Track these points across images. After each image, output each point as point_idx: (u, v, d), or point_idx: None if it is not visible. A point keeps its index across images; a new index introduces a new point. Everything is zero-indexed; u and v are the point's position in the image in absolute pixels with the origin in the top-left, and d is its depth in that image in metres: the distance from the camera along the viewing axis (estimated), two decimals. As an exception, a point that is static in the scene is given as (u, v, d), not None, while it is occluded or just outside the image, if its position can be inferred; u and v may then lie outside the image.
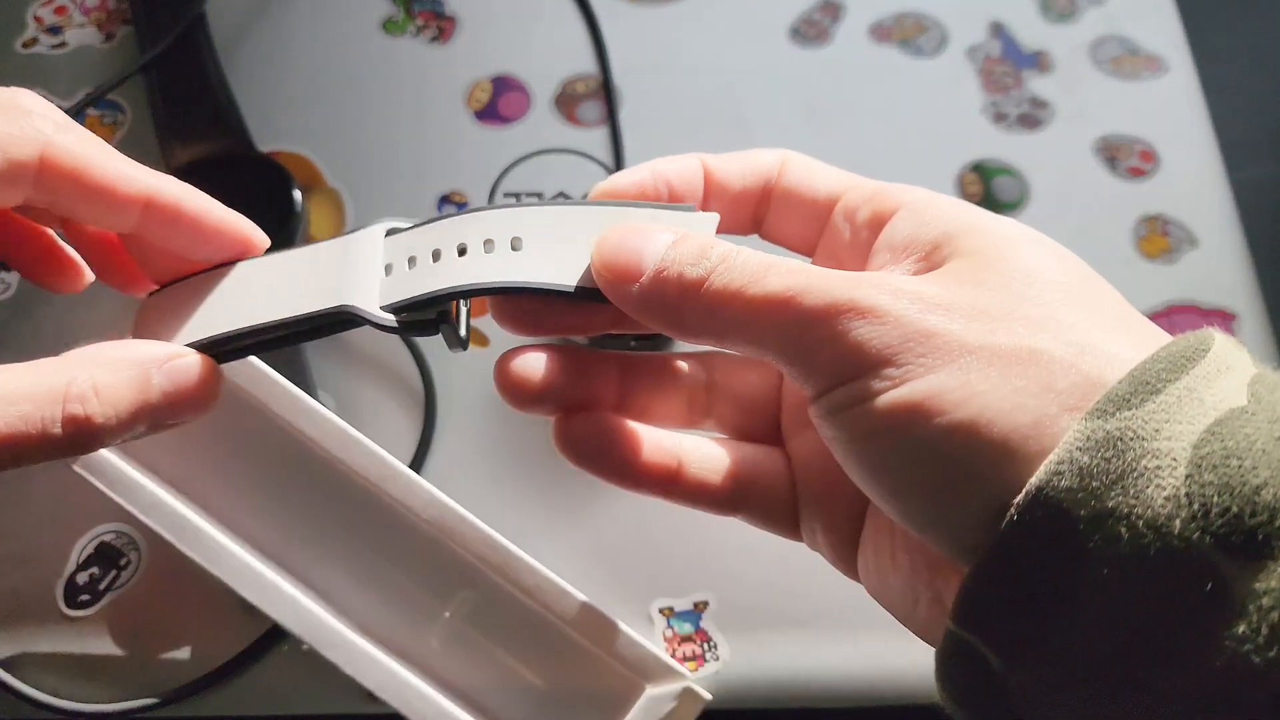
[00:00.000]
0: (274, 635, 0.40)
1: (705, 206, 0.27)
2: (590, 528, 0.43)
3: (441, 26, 0.54)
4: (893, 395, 0.19)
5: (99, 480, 0.37)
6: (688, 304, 0.22)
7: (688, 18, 0.55)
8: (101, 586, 0.41)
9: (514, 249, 0.24)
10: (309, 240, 0.49)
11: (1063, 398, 0.19)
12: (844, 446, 0.21)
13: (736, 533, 0.44)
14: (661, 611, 0.42)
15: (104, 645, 0.41)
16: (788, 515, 0.27)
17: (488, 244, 0.24)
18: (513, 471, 0.44)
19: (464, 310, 0.25)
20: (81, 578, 0.41)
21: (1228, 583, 0.17)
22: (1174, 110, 0.53)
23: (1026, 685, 0.19)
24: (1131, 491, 0.17)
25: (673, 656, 0.40)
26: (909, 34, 0.55)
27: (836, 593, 0.43)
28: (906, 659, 0.41)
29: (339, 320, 0.25)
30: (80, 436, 0.22)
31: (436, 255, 0.25)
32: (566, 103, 0.52)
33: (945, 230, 0.22)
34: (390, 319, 0.24)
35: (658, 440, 0.27)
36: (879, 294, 0.20)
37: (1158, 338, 0.20)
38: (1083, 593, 0.17)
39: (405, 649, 0.37)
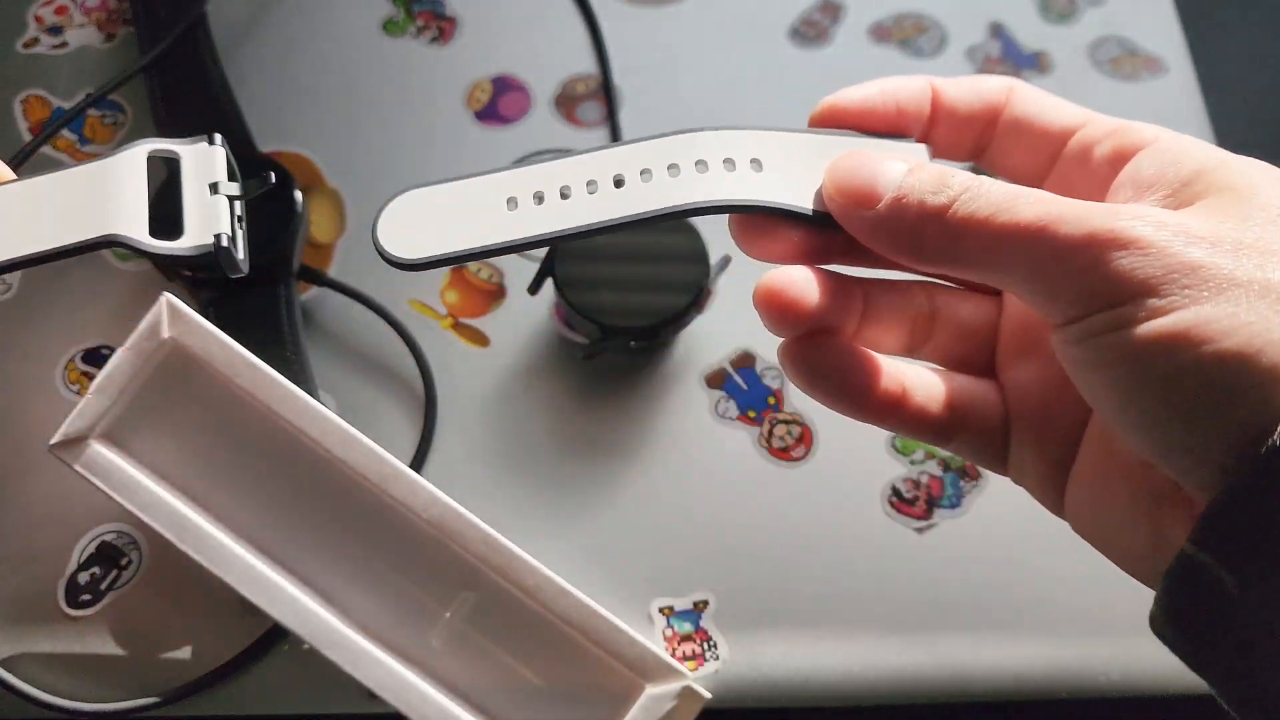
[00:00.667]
0: (274, 635, 0.40)
1: (930, 129, 0.27)
2: (590, 527, 0.43)
3: (442, 27, 0.54)
4: (1157, 323, 0.19)
5: (100, 480, 0.37)
6: (928, 229, 0.22)
7: (688, 18, 0.55)
8: (102, 586, 0.41)
9: (754, 170, 0.24)
10: (310, 243, 0.49)
11: None
12: (1095, 372, 0.21)
13: (737, 532, 0.44)
14: (661, 611, 0.42)
15: (105, 645, 0.41)
16: (998, 446, 0.27)
17: (727, 162, 0.24)
18: (513, 471, 0.44)
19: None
20: (82, 577, 0.41)
21: None
22: (1173, 111, 0.53)
23: (1263, 609, 0.18)
24: None
25: (673, 656, 0.40)
26: (909, 34, 0.55)
27: (837, 593, 0.43)
28: (907, 658, 0.42)
29: (103, 245, 0.25)
30: None
31: (648, 174, 0.24)
32: (566, 103, 0.52)
33: (1196, 168, 0.22)
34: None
35: (886, 368, 0.26)
36: (1141, 225, 0.20)
37: None
38: None
39: (406, 648, 0.38)
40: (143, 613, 0.41)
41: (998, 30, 0.55)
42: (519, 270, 0.49)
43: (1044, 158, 0.26)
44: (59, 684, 0.40)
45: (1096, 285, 0.20)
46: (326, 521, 0.38)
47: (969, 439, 0.27)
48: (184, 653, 0.41)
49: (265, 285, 0.44)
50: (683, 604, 0.42)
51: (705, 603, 0.42)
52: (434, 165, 0.50)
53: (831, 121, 0.26)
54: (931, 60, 0.54)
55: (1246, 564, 0.19)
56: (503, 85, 0.53)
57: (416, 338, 0.46)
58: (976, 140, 0.27)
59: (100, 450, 0.37)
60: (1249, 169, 0.22)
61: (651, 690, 0.37)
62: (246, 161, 0.47)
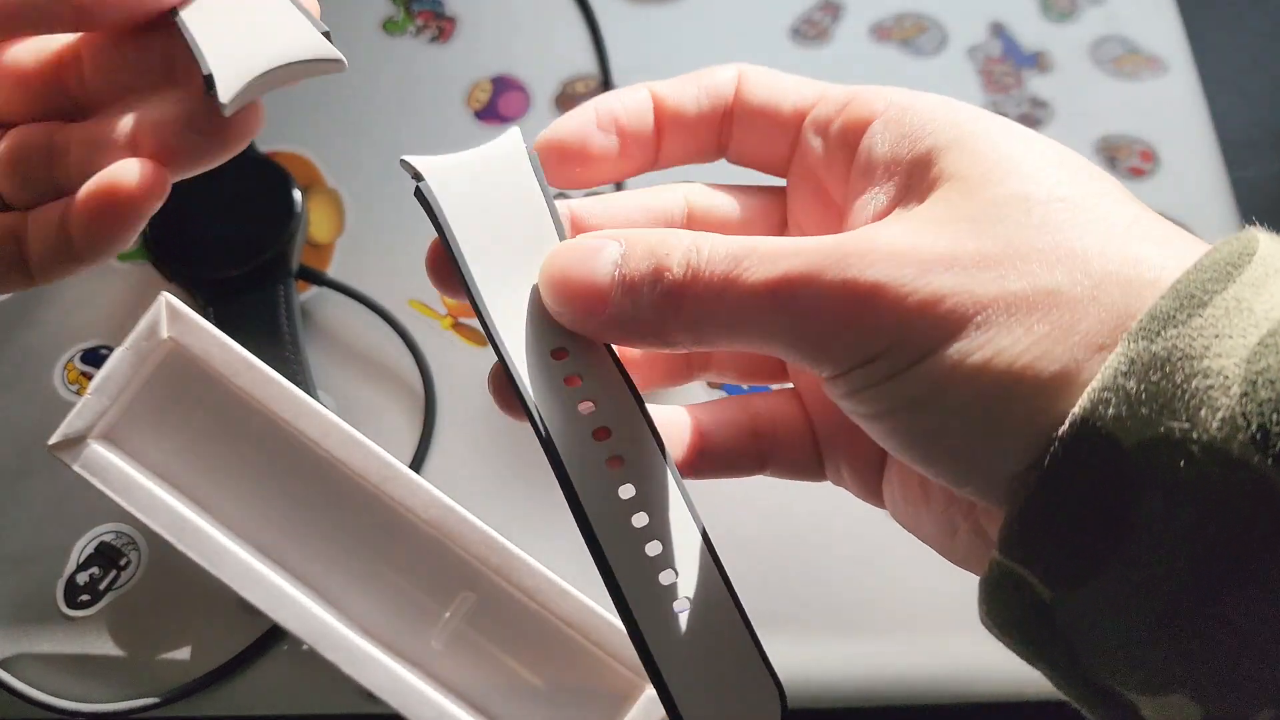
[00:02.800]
0: (273, 635, 0.40)
1: (661, 138, 0.25)
2: (590, 528, 0.43)
3: (441, 26, 0.54)
4: (915, 371, 0.19)
5: (99, 480, 0.37)
6: (669, 319, 0.20)
7: (688, 18, 0.55)
8: (101, 586, 0.41)
9: None
10: (309, 242, 0.49)
11: (1087, 339, 0.18)
12: (870, 423, 0.20)
13: (736, 533, 0.44)
14: (661, 611, 0.42)
15: (104, 645, 0.41)
16: (812, 460, 0.26)
17: None
18: (513, 471, 0.44)
19: None
20: (81, 578, 0.41)
21: None
22: (1174, 110, 0.53)
23: (1078, 615, 0.18)
24: (1183, 415, 0.16)
25: (673, 656, 0.40)
26: (909, 34, 0.55)
27: (838, 593, 0.43)
28: (907, 660, 0.41)
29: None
30: None
31: None
32: (566, 103, 0.52)
33: (928, 146, 0.21)
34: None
35: (676, 421, 0.25)
36: (873, 262, 0.19)
37: (1177, 239, 0.20)
38: (1137, 523, 0.17)
39: (405, 649, 0.37)
40: (142, 613, 0.41)
41: (998, 30, 0.55)
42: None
43: (783, 144, 0.25)
44: (58, 684, 0.40)
45: (849, 341, 0.19)
46: (325, 522, 0.38)
47: (783, 461, 0.26)
48: (183, 653, 0.41)
49: (264, 285, 0.44)
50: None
51: (705, 603, 0.42)
52: (434, 165, 0.50)
53: (557, 157, 0.25)
54: (932, 60, 0.54)
55: (1056, 575, 0.18)
56: (502, 84, 0.53)
57: (416, 338, 0.46)
58: (717, 139, 0.25)
59: (99, 450, 0.37)
60: (980, 146, 0.21)
61: (652, 691, 0.37)
62: (246, 161, 0.47)
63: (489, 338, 0.22)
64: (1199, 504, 0.16)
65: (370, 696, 0.36)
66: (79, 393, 0.45)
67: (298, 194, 0.45)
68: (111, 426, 0.38)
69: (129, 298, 0.47)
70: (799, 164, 0.25)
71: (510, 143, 0.24)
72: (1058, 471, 0.18)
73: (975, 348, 0.18)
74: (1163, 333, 0.17)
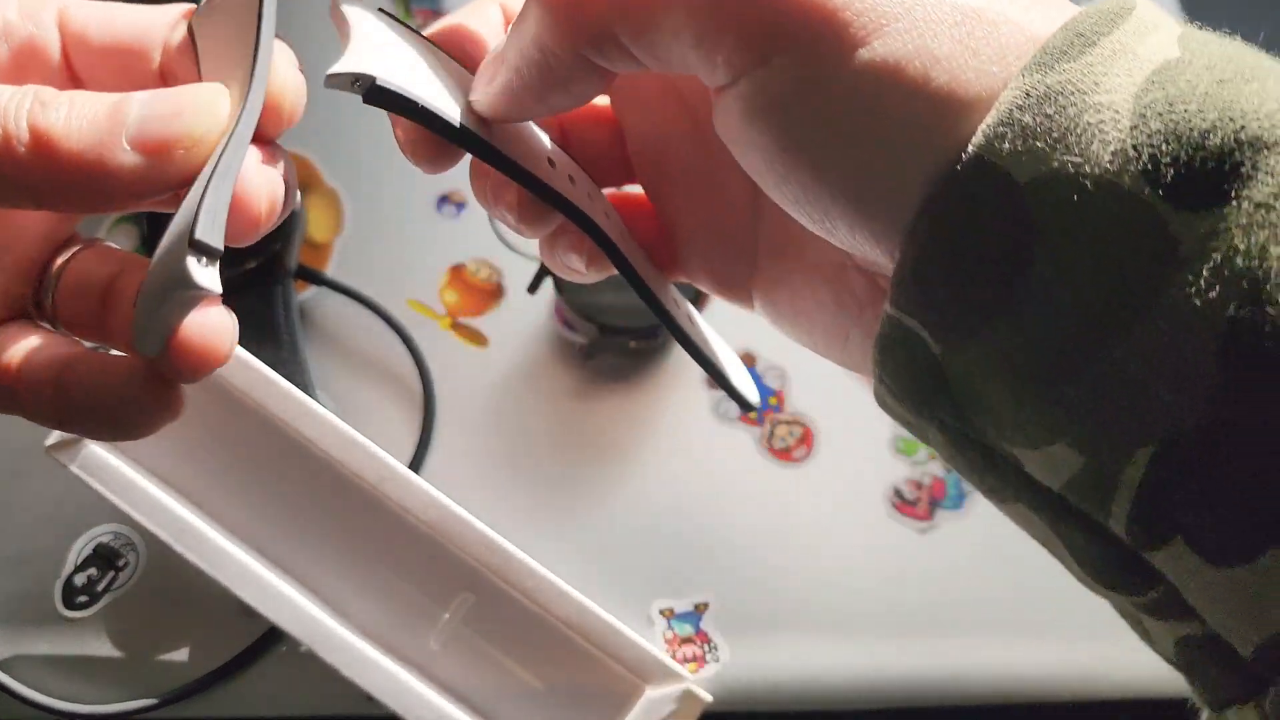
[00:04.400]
0: (272, 637, 0.40)
1: None
2: (590, 528, 0.43)
3: (441, 25, 0.54)
4: (810, 76, 0.18)
5: (96, 481, 0.37)
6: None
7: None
8: (99, 588, 0.41)
9: None
10: (307, 242, 0.49)
11: (1005, 53, 0.17)
12: (758, 150, 0.19)
13: (738, 533, 0.44)
14: (662, 613, 0.42)
15: (102, 646, 0.40)
16: (667, 257, 0.26)
17: None
18: (512, 472, 0.44)
19: None
20: (79, 579, 0.41)
21: (1175, 237, 0.16)
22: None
23: (967, 369, 0.18)
24: (1076, 149, 0.16)
25: (673, 658, 0.40)
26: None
27: (837, 594, 0.42)
28: (909, 661, 0.41)
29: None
30: (42, 154, 0.18)
31: None
32: (566, 102, 0.52)
33: None
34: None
35: None
36: None
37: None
38: (1031, 264, 0.17)
39: (404, 651, 0.37)
40: (140, 614, 0.41)
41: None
42: (518, 270, 0.48)
43: None
44: (56, 685, 0.40)
45: (748, 36, 0.18)
46: (324, 523, 0.38)
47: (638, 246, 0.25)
48: (181, 654, 0.40)
49: (263, 285, 0.44)
50: (683, 606, 0.42)
51: (706, 604, 0.42)
52: (433, 164, 0.50)
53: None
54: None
55: (947, 323, 0.18)
56: (502, 84, 0.53)
57: (415, 337, 0.46)
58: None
59: (96, 451, 0.37)
60: None
61: (651, 692, 0.37)
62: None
63: (508, 168, 0.22)
64: (1090, 241, 0.16)
65: (369, 698, 0.36)
66: (77, 393, 0.44)
67: (297, 194, 0.45)
68: (109, 427, 0.38)
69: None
70: None
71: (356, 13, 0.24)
72: (952, 209, 0.17)
73: (879, 55, 0.17)
74: (1056, 66, 0.17)
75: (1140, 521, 0.17)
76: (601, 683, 0.38)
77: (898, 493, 0.44)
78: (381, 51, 0.23)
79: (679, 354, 0.47)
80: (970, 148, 0.17)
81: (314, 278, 0.46)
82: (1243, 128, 0.16)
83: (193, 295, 0.18)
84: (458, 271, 0.48)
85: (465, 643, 0.38)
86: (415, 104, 0.22)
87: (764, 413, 0.46)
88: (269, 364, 0.38)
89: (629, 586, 0.42)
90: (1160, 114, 0.16)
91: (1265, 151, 0.16)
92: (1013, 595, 0.42)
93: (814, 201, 0.19)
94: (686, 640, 0.41)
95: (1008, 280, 0.17)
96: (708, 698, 0.37)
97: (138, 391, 0.20)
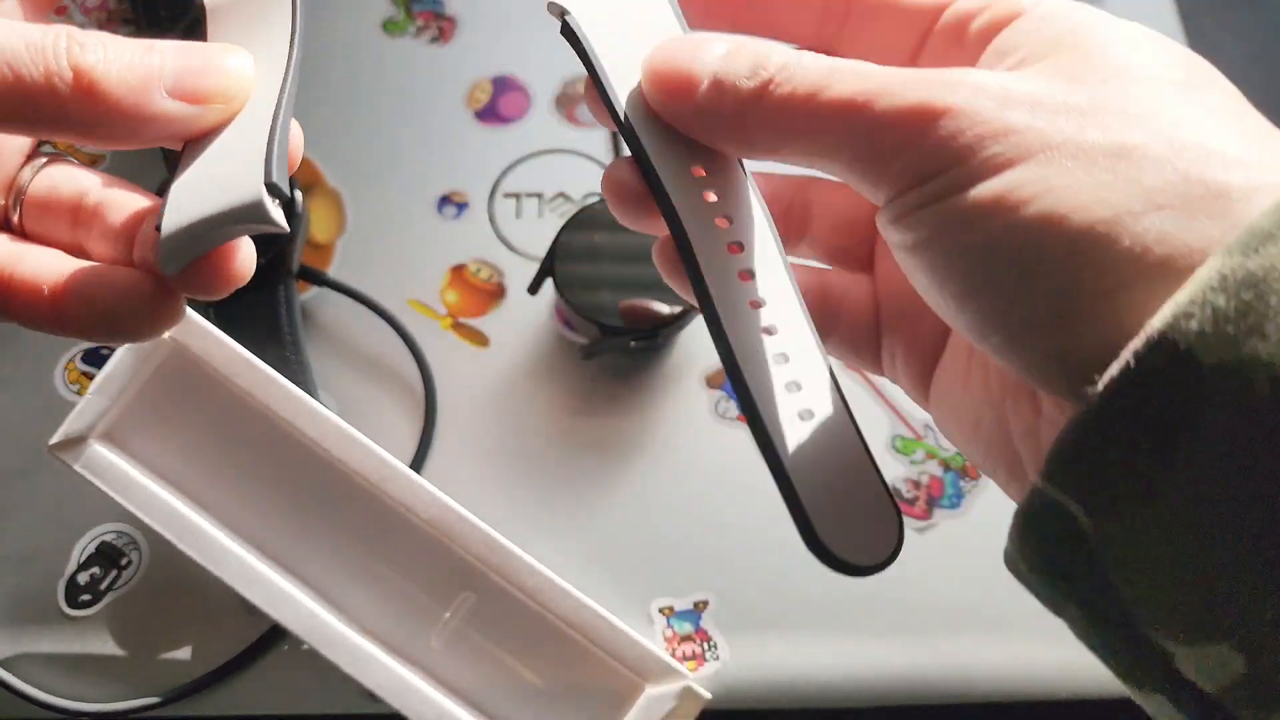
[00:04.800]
0: (274, 635, 0.40)
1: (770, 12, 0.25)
2: (590, 527, 0.43)
3: (441, 27, 0.54)
4: (962, 196, 0.18)
5: (100, 480, 0.37)
6: (750, 116, 0.20)
7: (688, 18, 0.55)
8: (102, 586, 0.41)
9: None
10: (309, 242, 0.49)
11: (1150, 194, 0.17)
12: (909, 254, 0.20)
13: (737, 532, 0.44)
14: (661, 611, 0.42)
15: (105, 645, 0.41)
16: (871, 340, 0.26)
17: None
18: (513, 471, 0.44)
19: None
20: (82, 577, 0.41)
21: None
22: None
23: (1122, 550, 0.17)
24: (1273, 338, 0.15)
25: (673, 656, 0.40)
26: (909, 34, 0.55)
27: (837, 593, 0.43)
28: (908, 659, 0.41)
29: None
30: (86, 97, 0.20)
31: None
32: (566, 103, 0.52)
33: (1060, 31, 0.20)
34: None
35: None
36: (956, 91, 0.18)
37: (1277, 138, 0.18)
38: (1201, 449, 0.16)
39: (405, 649, 0.38)
40: (142, 613, 0.41)
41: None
42: (519, 270, 0.48)
43: (912, 38, 0.23)
44: (59, 684, 0.40)
45: (910, 160, 0.19)
46: (326, 522, 0.38)
47: (844, 335, 0.26)
48: (184, 653, 0.41)
49: (265, 285, 0.44)
50: (683, 604, 0.42)
51: (705, 603, 0.42)
52: (434, 165, 0.50)
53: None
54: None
55: (1105, 504, 0.17)
56: (503, 85, 0.53)
57: (416, 338, 0.46)
58: (820, 27, 0.24)
59: (100, 450, 0.37)
60: (1113, 30, 0.20)
61: (651, 691, 0.37)
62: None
63: (637, 153, 0.22)
64: (1271, 432, 0.15)
65: (371, 696, 0.36)
66: (80, 393, 0.45)
67: (298, 194, 0.45)
68: (112, 426, 0.38)
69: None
70: (929, 61, 0.23)
71: None
72: (1125, 387, 0.16)
73: (1029, 180, 0.17)
74: (1261, 249, 0.16)
75: None
76: (601, 681, 0.38)
77: (896, 492, 0.44)
78: None
79: (679, 354, 0.47)
80: (1154, 322, 0.16)
81: (316, 278, 0.47)
82: None
83: (264, 229, 0.21)
84: (459, 272, 0.48)
85: (466, 641, 0.38)
86: (588, 56, 0.22)
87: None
88: (271, 364, 0.38)
89: (629, 585, 0.42)
90: None
91: None
92: (1012, 594, 0.42)
93: (956, 317, 0.19)
94: (686, 638, 0.42)
95: (1176, 461, 0.16)
96: (707, 695, 0.37)
97: (143, 303, 0.22)
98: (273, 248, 0.44)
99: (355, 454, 0.37)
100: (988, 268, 0.18)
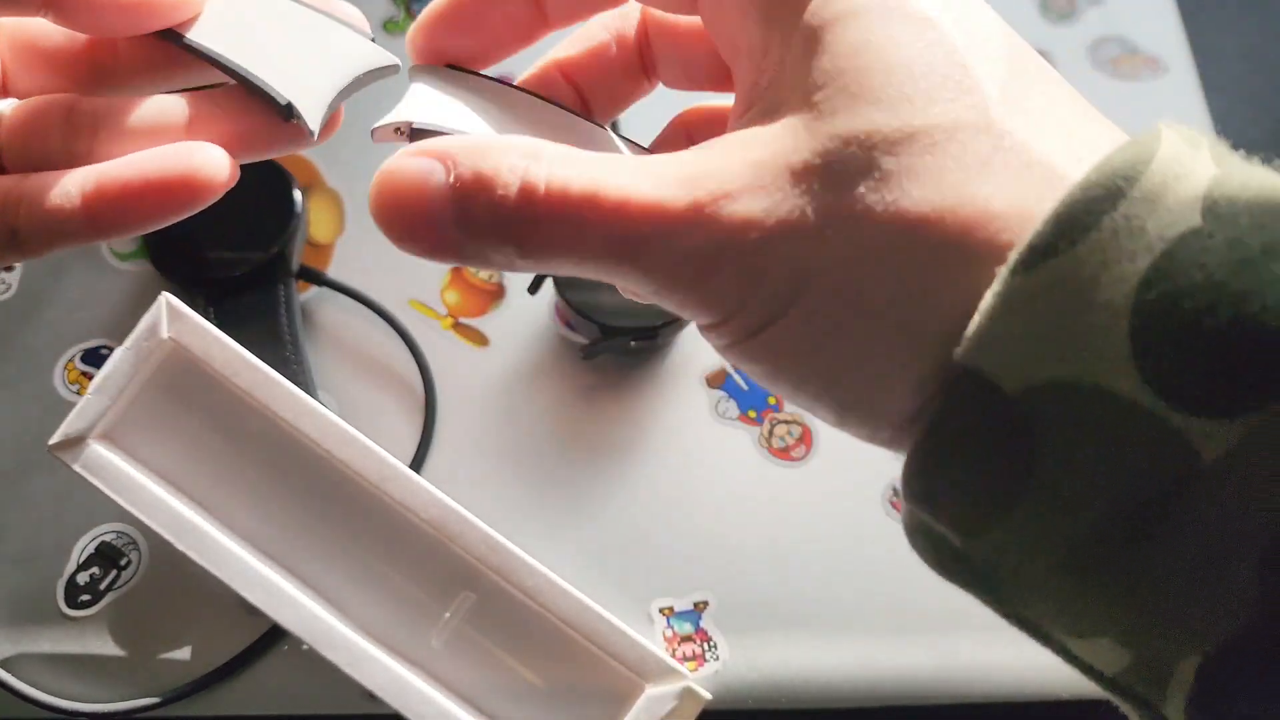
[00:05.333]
0: (274, 635, 0.40)
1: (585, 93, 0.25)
2: (590, 527, 0.43)
3: (441, 26, 0.54)
4: (746, 344, 0.19)
5: (99, 480, 0.37)
6: (508, 253, 0.19)
7: (688, 18, 0.55)
8: (102, 586, 0.41)
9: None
10: (309, 242, 0.49)
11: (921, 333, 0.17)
12: (745, 367, 0.20)
13: (737, 532, 0.44)
14: (661, 611, 0.42)
15: (104, 645, 0.41)
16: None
17: None
18: (512, 471, 0.44)
19: None
20: (82, 578, 0.41)
21: (1191, 445, 0.14)
22: (1174, 111, 0.53)
23: (992, 560, 0.17)
24: (1070, 355, 0.15)
25: (673, 656, 0.40)
26: (909, 34, 0.55)
27: (837, 593, 0.43)
28: (908, 659, 0.41)
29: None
30: None
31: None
32: (566, 103, 0.52)
33: (822, 21, 0.18)
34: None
35: None
36: (717, 233, 0.17)
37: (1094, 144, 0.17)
38: (1037, 469, 0.16)
39: (405, 649, 0.37)
40: (142, 613, 0.41)
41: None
42: (519, 270, 0.48)
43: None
44: (58, 684, 0.40)
45: (698, 304, 0.18)
46: (326, 522, 0.38)
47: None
48: (183, 653, 0.41)
49: (265, 285, 0.44)
50: (683, 604, 0.42)
51: (705, 603, 0.42)
52: (434, 165, 0.50)
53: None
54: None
55: (960, 522, 0.17)
56: (503, 85, 0.53)
57: (416, 338, 0.46)
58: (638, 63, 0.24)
59: (99, 450, 0.37)
60: (871, 39, 0.17)
61: (651, 691, 0.37)
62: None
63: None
64: (1098, 450, 0.15)
65: (371, 696, 0.36)
66: (79, 393, 0.45)
67: (298, 194, 0.45)
68: (112, 426, 0.38)
69: (129, 297, 0.47)
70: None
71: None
72: (943, 420, 0.16)
73: (793, 331, 0.18)
74: (1042, 265, 0.15)
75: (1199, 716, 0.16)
76: (601, 681, 0.38)
77: (896, 492, 0.44)
78: (425, 100, 0.24)
79: (679, 354, 0.47)
80: (957, 352, 0.16)
81: (316, 278, 0.47)
82: (1264, 325, 0.14)
83: (385, 71, 0.25)
84: (458, 272, 0.48)
85: (466, 641, 0.38)
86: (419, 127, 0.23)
87: (763, 412, 0.46)
88: (271, 364, 0.38)
89: (629, 585, 0.42)
90: (1163, 314, 0.14)
91: None
92: (1011, 594, 0.42)
93: (810, 409, 0.19)
94: (686, 639, 0.42)
95: (1017, 482, 0.16)
96: (707, 696, 0.37)
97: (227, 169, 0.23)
98: (272, 248, 0.44)
99: (355, 454, 0.37)
100: (791, 383, 0.19)
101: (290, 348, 0.44)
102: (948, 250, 0.16)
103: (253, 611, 0.37)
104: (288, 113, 0.23)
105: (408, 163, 0.20)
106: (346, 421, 0.38)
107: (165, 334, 0.37)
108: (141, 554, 0.42)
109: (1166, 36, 0.55)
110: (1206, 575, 0.15)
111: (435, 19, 0.24)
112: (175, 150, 0.22)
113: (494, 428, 0.45)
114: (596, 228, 0.18)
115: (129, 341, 0.37)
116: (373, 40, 0.25)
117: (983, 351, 0.16)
